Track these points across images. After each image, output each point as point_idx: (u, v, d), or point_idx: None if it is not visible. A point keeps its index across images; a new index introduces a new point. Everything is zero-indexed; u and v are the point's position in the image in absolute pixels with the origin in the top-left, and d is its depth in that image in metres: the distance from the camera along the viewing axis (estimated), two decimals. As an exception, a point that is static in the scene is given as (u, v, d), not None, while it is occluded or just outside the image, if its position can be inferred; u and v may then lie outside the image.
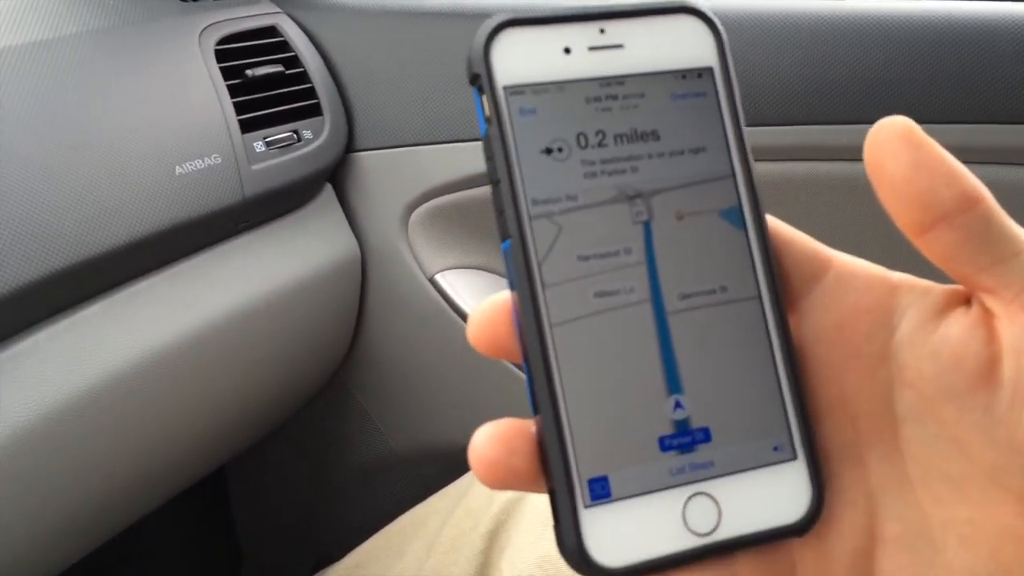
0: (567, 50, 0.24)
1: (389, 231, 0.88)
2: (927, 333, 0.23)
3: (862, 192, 0.74)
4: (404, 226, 0.87)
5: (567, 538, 0.22)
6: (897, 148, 0.22)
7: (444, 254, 0.88)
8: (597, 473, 0.23)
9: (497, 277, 0.90)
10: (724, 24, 0.25)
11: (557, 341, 0.23)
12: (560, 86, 0.24)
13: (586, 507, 0.22)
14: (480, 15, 0.85)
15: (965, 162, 0.23)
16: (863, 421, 0.24)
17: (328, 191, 0.88)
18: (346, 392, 0.96)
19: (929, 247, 0.23)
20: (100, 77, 0.66)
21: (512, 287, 0.23)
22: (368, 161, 0.88)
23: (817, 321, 0.24)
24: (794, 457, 0.24)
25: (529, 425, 0.23)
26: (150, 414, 0.69)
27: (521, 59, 0.24)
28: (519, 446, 0.23)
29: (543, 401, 0.23)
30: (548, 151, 0.23)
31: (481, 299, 0.90)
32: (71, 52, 0.65)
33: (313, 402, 0.96)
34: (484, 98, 0.23)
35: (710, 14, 0.25)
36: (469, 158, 0.85)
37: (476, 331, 0.24)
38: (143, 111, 0.67)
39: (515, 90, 0.23)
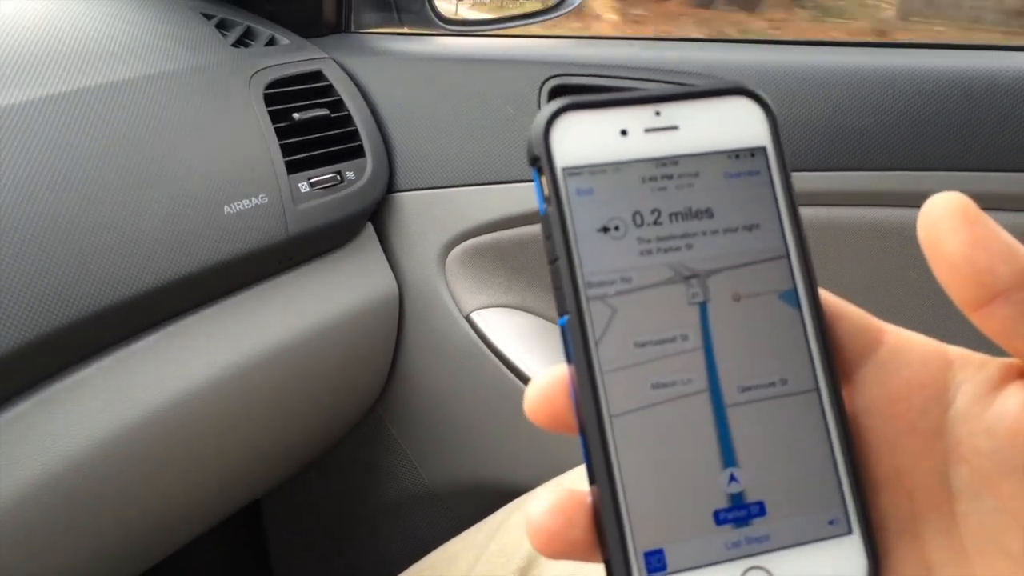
0: (623, 132, 0.25)
1: (427, 270, 0.90)
2: (983, 408, 0.23)
3: (908, 237, 0.75)
4: (442, 265, 0.89)
5: None
6: (954, 225, 0.22)
7: (480, 293, 0.90)
8: (653, 546, 0.23)
9: (531, 316, 0.91)
10: (770, 98, 0.26)
11: (615, 423, 0.23)
12: (617, 167, 0.24)
13: None
14: (515, 62, 0.88)
15: (1000, 209, 0.23)
16: (919, 495, 0.24)
17: (369, 230, 0.90)
18: (381, 426, 0.98)
19: (985, 322, 0.23)
20: (156, 120, 0.69)
21: (569, 360, 0.24)
22: (408, 201, 0.90)
23: (871, 395, 0.24)
24: (849, 531, 0.24)
25: (586, 496, 0.24)
26: (195, 447, 0.71)
27: (579, 141, 0.24)
28: (577, 518, 0.23)
29: (600, 474, 0.23)
30: (605, 229, 0.24)
31: (516, 338, 0.91)
32: (130, 96, 0.68)
33: (349, 435, 0.98)
34: (544, 179, 0.24)
35: (762, 95, 0.26)
36: (506, 200, 0.87)
37: (533, 406, 0.24)
38: (196, 152, 0.70)
39: (573, 171, 0.24)
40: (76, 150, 0.62)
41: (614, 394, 0.23)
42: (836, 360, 0.25)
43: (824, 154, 0.77)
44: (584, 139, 0.24)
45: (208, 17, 0.83)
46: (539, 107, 0.85)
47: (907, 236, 0.78)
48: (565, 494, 0.23)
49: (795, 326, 0.25)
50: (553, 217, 0.24)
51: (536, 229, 0.86)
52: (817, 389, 0.24)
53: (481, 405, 0.91)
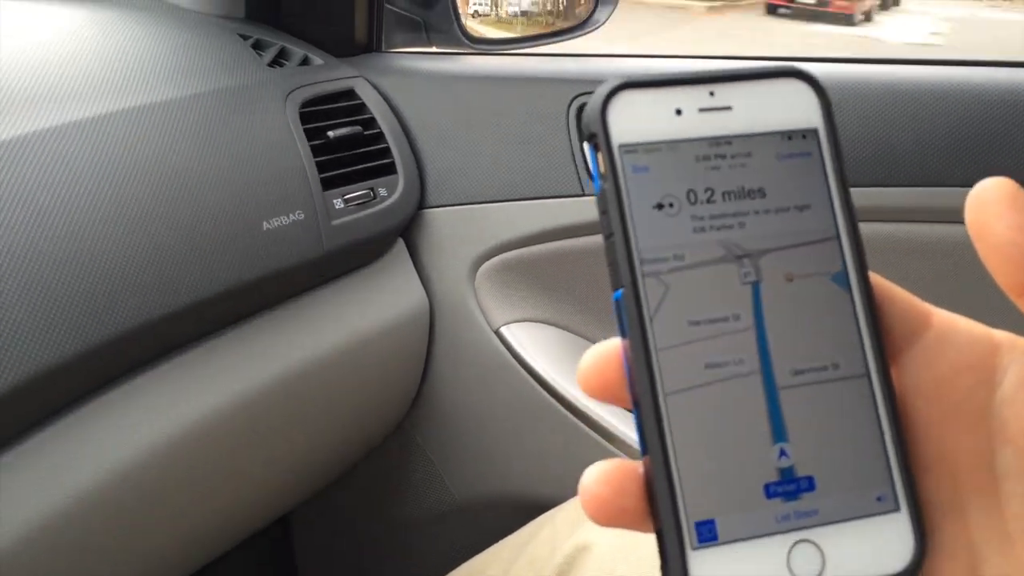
0: (679, 111, 0.25)
1: (457, 285, 0.91)
2: None
3: (958, 255, 0.75)
4: (472, 280, 0.90)
5: None
6: (1001, 209, 0.23)
7: (510, 308, 0.91)
8: (704, 516, 0.23)
9: (561, 331, 0.92)
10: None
11: (668, 399, 0.24)
12: (672, 145, 0.25)
13: (694, 549, 0.23)
14: (544, 80, 0.89)
15: None
16: (964, 476, 0.24)
17: (400, 246, 0.91)
18: (411, 441, 0.99)
19: None
20: (195, 139, 0.70)
21: (623, 335, 0.24)
22: (438, 217, 0.91)
23: (918, 376, 0.25)
24: (897, 508, 0.24)
25: (637, 466, 0.24)
26: (229, 461, 0.72)
27: (635, 119, 0.25)
28: (628, 487, 0.24)
29: (653, 445, 0.23)
30: (659, 206, 0.24)
31: (545, 352, 0.91)
32: (170, 116, 0.69)
33: (378, 450, 0.98)
34: (600, 156, 0.25)
35: (815, 78, 0.26)
36: (535, 215, 0.88)
37: (586, 377, 0.25)
38: (234, 170, 0.71)
39: (629, 148, 0.25)
40: (117, 170, 0.63)
41: (668, 370, 0.24)
42: (885, 342, 0.25)
43: (860, 170, 0.77)
44: (640, 117, 0.25)
45: (244, 38, 0.84)
46: (568, 126, 0.86)
47: (940, 251, 0.78)
48: (616, 463, 0.24)
49: (846, 308, 0.25)
50: (609, 193, 0.24)
51: (566, 244, 0.87)
52: (867, 370, 0.25)
53: (510, 419, 0.92)
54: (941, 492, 0.25)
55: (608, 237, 0.25)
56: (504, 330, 0.90)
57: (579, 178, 0.86)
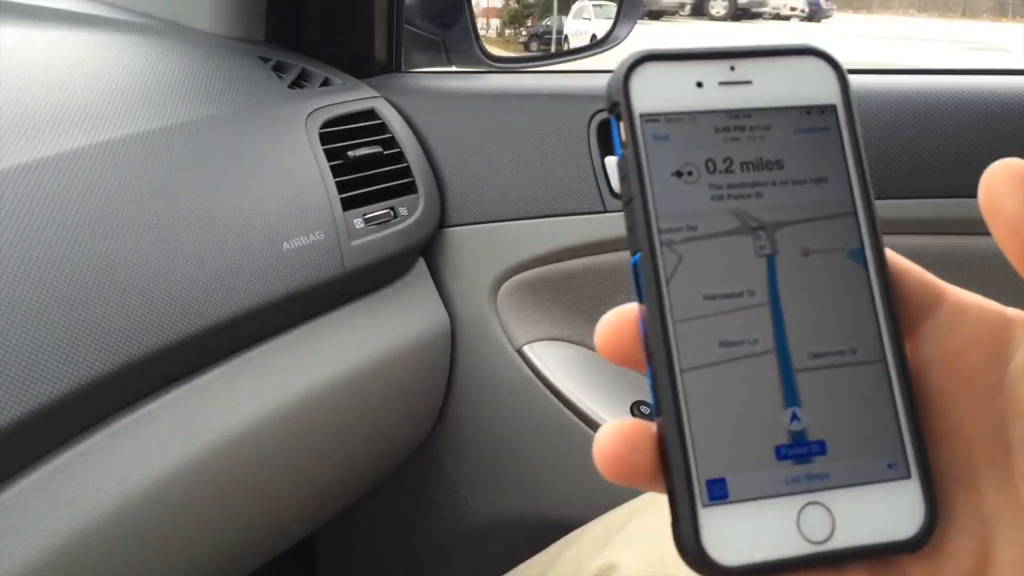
0: (699, 84, 0.26)
1: (478, 304, 0.90)
2: None
3: (977, 266, 0.74)
4: (493, 299, 0.90)
5: (685, 535, 0.23)
6: (1014, 188, 0.23)
7: (532, 326, 0.90)
8: (715, 475, 0.24)
9: (583, 349, 0.91)
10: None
11: (682, 356, 0.24)
12: (692, 116, 0.25)
13: (704, 506, 0.23)
14: (563, 97, 0.89)
15: None
16: (977, 448, 0.24)
17: (421, 265, 0.91)
18: (433, 461, 0.98)
19: None
20: (217, 160, 0.70)
21: (640, 299, 0.25)
22: (459, 236, 0.91)
23: (932, 350, 0.25)
24: (908, 476, 0.24)
25: (651, 426, 0.24)
26: (253, 482, 0.72)
27: (657, 90, 0.25)
28: (641, 443, 0.24)
29: (666, 404, 0.24)
30: (679, 174, 0.25)
31: (568, 371, 0.91)
32: (191, 138, 0.70)
33: (401, 470, 0.98)
34: (621, 124, 0.25)
35: (833, 56, 0.26)
36: (556, 233, 0.87)
37: (603, 340, 0.25)
38: (256, 191, 0.71)
39: (650, 118, 0.25)
40: (141, 192, 0.64)
41: (682, 332, 0.24)
42: (900, 315, 0.25)
43: (881, 182, 0.76)
44: (661, 88, 0.25)
45: (265, 60, 0.85)
46: (588, 142, 0.86)
47: (955, 262, 0.77)
48: (631, 422, 0.24)
49: (861, 283, 0.25)
50: (629, 160, 0.25)
51: (588, 261, 0.86)
52: (881, 344, 0.25)
53: (533, 439, 0.91)
54: (954, 463, 0.25)
55: (628, 203, 0.25)
56: (527, 349, 0.90)
57: (600, 194, 0.85)
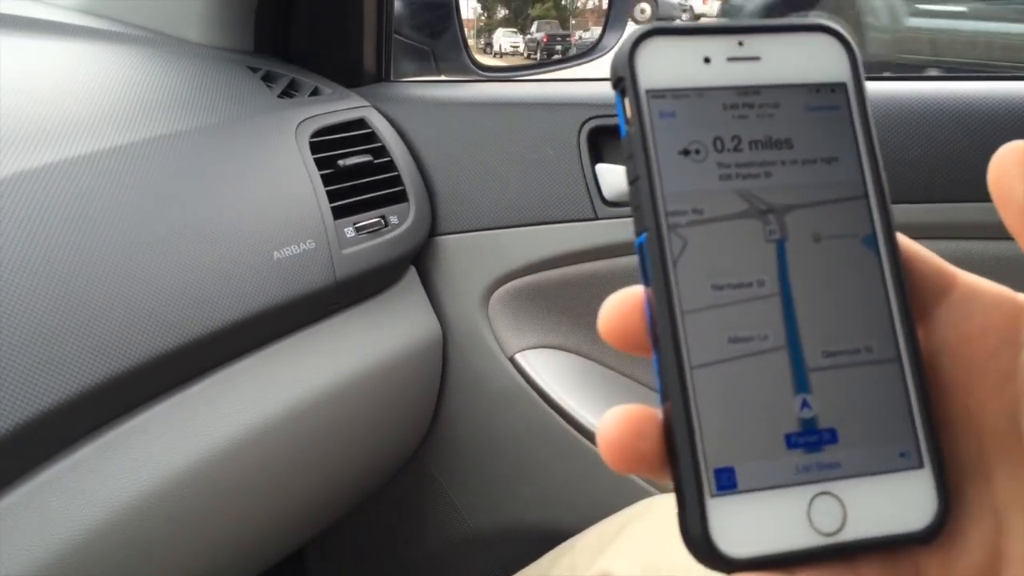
0: (707, 60, 0.25)
1: (470, 312, 0.90)
2: None
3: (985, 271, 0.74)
4: (484, 307, 0.90)
5: (692, 526, 0.22)
6: (1022, 171, 0.23)
7: (524, 334, 0.90)
8: (724, 464, 0.23)
9: (575, 357, 0.91)
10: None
11: (690, 339, 0.23)
12: (699, 92, 0.25)
13: (712, 496, 0.23)
14: (553, 105, 0.89)
15: None
16: (989, 437, 0.24)
17: (412, 274, 0.91)
18: (425, 470, 0.98)
19: None
20: (207, 170, 0.70)
21: (646, 282, 0.24)
22: (450, 244, 0.91)
23: (943, 336, 0.25)
24: (921, 465, 0.24)
25: (656, 413, 0.24)
26: (244, 492, 0.71)
27: (663, 66, 0.25)
28: (647, 430, 0.23)
29: (673, 391, 0.23)
30: (686, 152, 0.24)
31: (560, 379, 0.91)
32: (183, 148, 0.69)
33: (393, 480, 0.97)
34: (626, 101, 0.24)
35: (844, 33, 0.26)
36: (547, 240, 0.87)
37: (607, 324, 0.25)
38: (246, 200, 0.71)
39: (657, 94, 0.24)
40: (130, 203, 0.64)
41: (690, 312, 0.23)
42: (912, 302, 0.25)
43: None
44: (668, 64, 0.25)
45: (254, 70, 0.85)
46: (579, 150, 0.86)
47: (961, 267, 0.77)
48: (636, 408, 0.23)
49: (874, 271, 0.25)
50: (635, 137, 0.24)
51: (580, 269, 0.86)
52: (893, 331, 0.24)
53: (525, 447, 0.91)
54: (966, 453, 0.24)
55: (633, 182, 0.24)
56: (519, 357, 0.89)
57: (591, 202, 0.85)
